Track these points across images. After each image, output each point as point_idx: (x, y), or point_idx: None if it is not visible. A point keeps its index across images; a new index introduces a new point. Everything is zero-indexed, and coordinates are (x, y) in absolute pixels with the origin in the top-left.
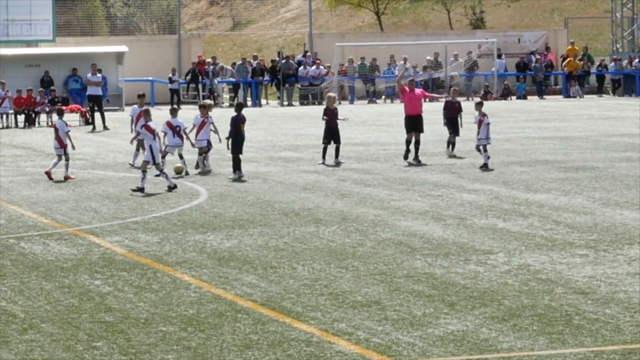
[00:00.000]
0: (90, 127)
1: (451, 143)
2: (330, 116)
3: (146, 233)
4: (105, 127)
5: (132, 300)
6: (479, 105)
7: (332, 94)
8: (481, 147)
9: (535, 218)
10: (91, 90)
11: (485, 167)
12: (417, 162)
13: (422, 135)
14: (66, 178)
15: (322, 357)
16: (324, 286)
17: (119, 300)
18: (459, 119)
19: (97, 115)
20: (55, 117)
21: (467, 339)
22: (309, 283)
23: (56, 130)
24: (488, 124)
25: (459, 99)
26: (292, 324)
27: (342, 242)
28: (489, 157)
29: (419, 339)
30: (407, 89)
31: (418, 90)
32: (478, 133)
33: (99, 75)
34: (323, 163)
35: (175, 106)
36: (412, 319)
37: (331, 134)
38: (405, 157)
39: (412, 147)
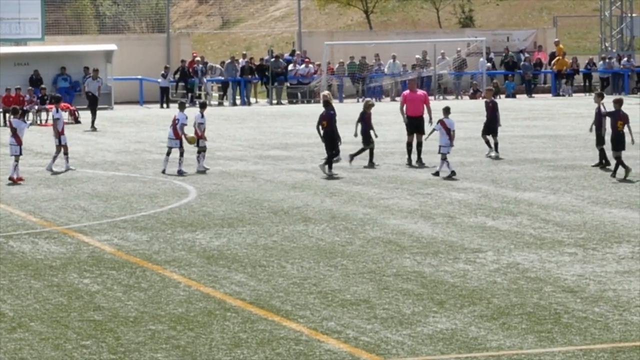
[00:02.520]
0: (79, 125)
1: (494, 144)
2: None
3: (135, 232)
4: (93, 127)
5: (121, 299)
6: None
7: (326, 92)
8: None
9: (524, 216)
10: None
11: (437, 175)
12: (420, 164)
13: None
14: (18, 180)
15: (311, 355)
16: (313, 285)
17: (108, 299)
18: (496, 118)
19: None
20: (43, 115)
21: (456, 338)
22: (298, 282)
23: (14, 129)
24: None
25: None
26: (281, 322)
27: (331, 240)
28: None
29: (408, 337)
30: (407, 90)
31: (420, 92)
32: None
33: (100, 79)
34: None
35: (184, 100)
36: (401, 318)
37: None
38: (409, 163)
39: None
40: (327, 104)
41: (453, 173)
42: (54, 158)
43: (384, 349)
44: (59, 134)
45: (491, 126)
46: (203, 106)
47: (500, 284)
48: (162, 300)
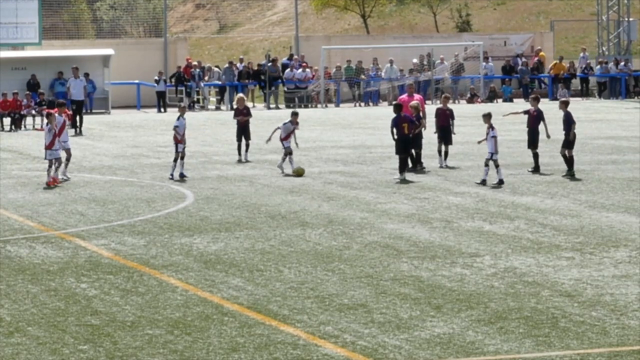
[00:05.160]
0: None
1: (444, 152)
2: (239, 115)
3: (132, 236)
4: (79, 132)
5: (119, 304)
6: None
7: (240, 95)
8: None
9: (522, 221)
10: (74, 95)
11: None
12: (420, 168)
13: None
14: (51, 182)
15: (308, 359)
16: (311, 289)
17: (105, 304)
18: (451, 127)
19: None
20: (39, 120)
21: (453, 342)
22: (295, 286)
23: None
24: (493, 137)
25: (449, 105)
26: (278, 327)
27: (328, 245)
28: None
29: (406, 341)
30: (405, 95)
31: (417, 97)
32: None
33: (81, 78)
34: (239, 160)
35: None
36: (398, 322)
37: (242, 132)
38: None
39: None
40: (247, 108)
41: (500, 182)
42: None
43: (382, 353)
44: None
45: (446, 135)
46: (182, 108)
47: (497, 288)
48: (159, 305)
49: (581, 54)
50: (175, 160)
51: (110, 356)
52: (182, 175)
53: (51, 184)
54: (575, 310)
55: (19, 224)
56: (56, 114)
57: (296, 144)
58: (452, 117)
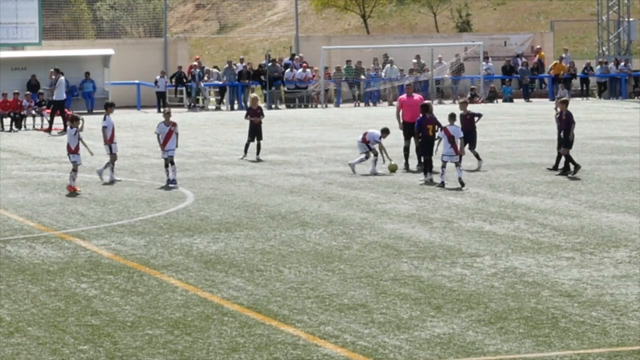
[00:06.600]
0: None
1: (474, 156)
2: (253, 115)
3: (132, 236)
4: (47, 130)
5: (119, 304)
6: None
7: (253, 95)
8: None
9: (522, 221)
10: (56, 96)
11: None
12: (420, 169)
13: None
14: (70, 188)
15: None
16: (311, 289)
17: (105, 304)
18: (474, 131)
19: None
20: (39, 120)
21: (453, 342)
22: (295, 286)
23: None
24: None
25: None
26: (278, 327)
27: (328, 245)
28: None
29: (406, 342)
30: (404, 95)
31: (417, 96)
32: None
33: (52, 78)
34: (244, 157)
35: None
36: (398, 322)
37: (254, 132)
38: (406, 167)
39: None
40: (260, 108)
41: (442, 184)
42: (106, 164)
43: (382, 353)
44: (107, 142)
45: (472, 138)
46: (166, 114)
47: (497, 288)
48: (159, 305)
49: (563, 54)
50: (166, 167)
51: (110, 356)
52: (172, 182)
53: (71, 190)
54: (575, 311)
55: (19, 224)
56: (106, 116)
57: (384, 159)
58: (474, 121)
